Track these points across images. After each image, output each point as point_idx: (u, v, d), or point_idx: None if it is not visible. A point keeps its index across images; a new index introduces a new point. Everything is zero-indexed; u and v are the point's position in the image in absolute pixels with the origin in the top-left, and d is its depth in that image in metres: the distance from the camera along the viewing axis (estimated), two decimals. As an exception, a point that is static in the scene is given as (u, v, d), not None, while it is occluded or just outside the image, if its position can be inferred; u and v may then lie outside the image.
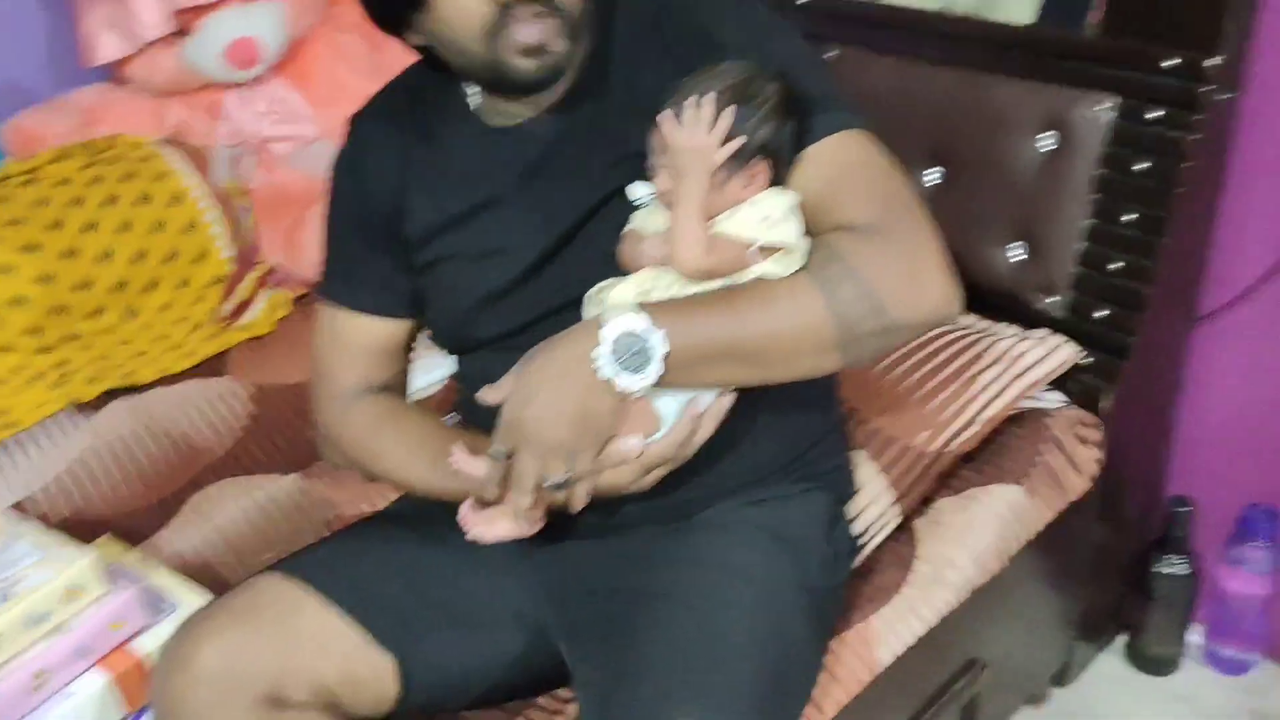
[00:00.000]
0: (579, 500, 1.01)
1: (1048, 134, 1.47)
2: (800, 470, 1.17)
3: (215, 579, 1.36)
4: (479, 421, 1.15)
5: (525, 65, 1.02)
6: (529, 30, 1.00)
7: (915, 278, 0.97)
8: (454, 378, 1.24)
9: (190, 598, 1.19)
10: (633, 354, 0.95)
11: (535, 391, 0.98)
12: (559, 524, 1.11)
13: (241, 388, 1.74)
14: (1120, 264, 1.43)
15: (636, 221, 1.03)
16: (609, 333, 0.94)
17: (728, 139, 0.95)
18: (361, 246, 1.17)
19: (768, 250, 0.96)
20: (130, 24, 1.91)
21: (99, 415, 1.69)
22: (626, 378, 0.95)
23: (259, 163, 2.08)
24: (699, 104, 0.95)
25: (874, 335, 0.97)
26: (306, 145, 2.07)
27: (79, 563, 1.11)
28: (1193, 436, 1.66)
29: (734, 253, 0.96)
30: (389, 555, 1.15)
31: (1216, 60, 1.33)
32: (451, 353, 1.21)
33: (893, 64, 1.62)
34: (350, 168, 1.17)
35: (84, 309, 1.87)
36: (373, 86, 2.07)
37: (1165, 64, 1.35)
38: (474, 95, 1.12)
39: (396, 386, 1.22)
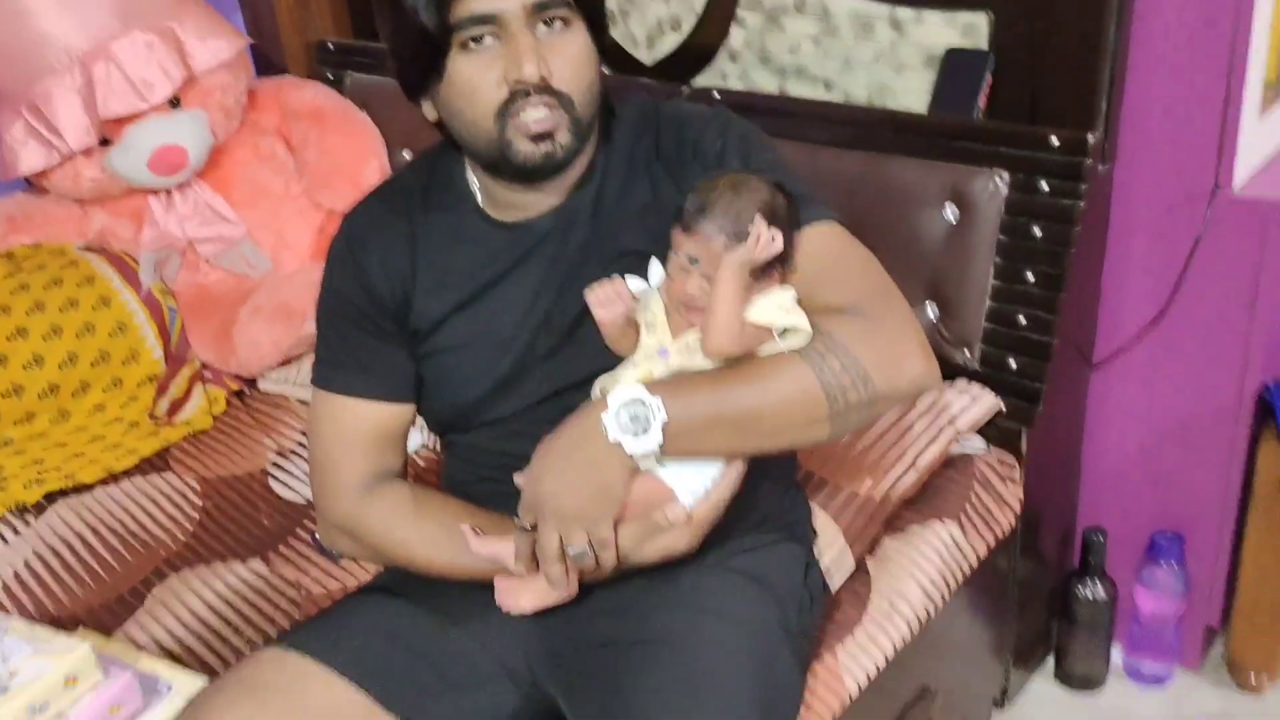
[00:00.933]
0: (607, 564, 1.07)
1: (949, 206, 1.62)
2: (771, 523, 1.25)
3: (192, 666, 1.36)
4: (467, 495, 1.21)
5: (530, 150, 1.09)
6: (538, 117, 1.07)
7: (897, 353, 1.06)
8: (442, 451, 1.29)
9: (183, 679, 1.20)
10: (634, 419, 1.02)
11: (550, 466, 1.05)
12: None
13: (188, 482, 1.75)
14: (1025, 318, 1.57)
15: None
16: (614, 400, 1.03)
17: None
18: (366, 337, 1.20)
19: (785, 332, 1.05)
20: (53, 136, 1.93)
21: (43, 518, 1.67)
22: (631, 441, 1.03)
23: (184, 264, 2.10)
24: (756, 224, 1.03)
25: (860, 406, 1.05)
26: (231, 246, 2.11)
27: (76, 651, 1.12)
28: (1099, 472, 1.81)
29: (759, 338, 1.05)
30: (385, 623, 1.18)
31: (1096, 135, 1.51)
32: (443, 434, 1.26)
33: (802, 149, 1.75)
34: (349, 264, 1.20)
35: (14, 415, 1.86)
36: (293, 188, 2.17)
37: (1053, 141, 1.52)
38: (478, 191, 1.19)
39: (403, 472, 1.25)
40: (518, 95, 1.07)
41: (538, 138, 1.09)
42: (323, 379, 1.22)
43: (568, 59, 1.09)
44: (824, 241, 1.12)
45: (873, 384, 1.04)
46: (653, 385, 1.04)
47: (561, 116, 1.09)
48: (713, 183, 1.07)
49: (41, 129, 1.93)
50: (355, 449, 1.21)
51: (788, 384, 1.04)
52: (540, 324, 1.16)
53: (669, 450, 1.04)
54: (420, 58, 1.09)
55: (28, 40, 1.88)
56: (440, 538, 1.17)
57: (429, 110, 1.16)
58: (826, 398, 1.04)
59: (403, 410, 1.22)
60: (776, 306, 1.05)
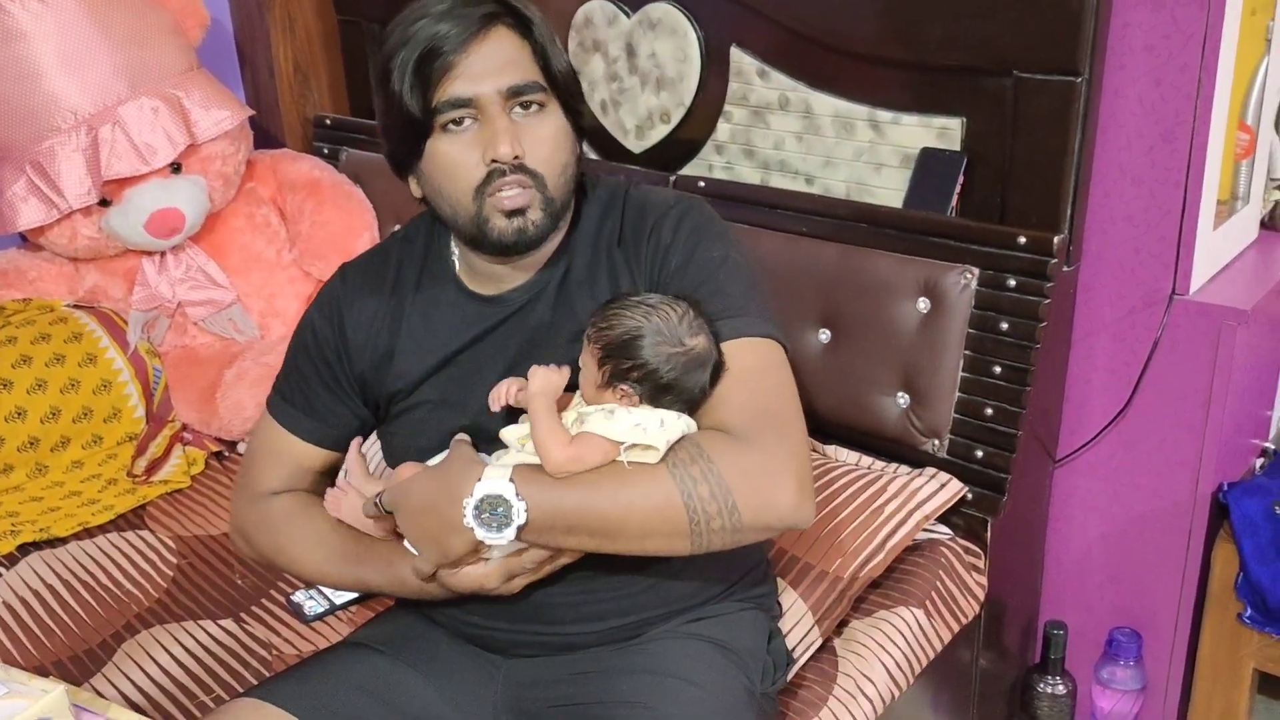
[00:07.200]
0: None
1: (922, 299, 1.68)
2: (736, 594, 1.29)
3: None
4: None
5: (504, 225, 1.15)
6: (513, 195, 1.14)
7: (769, 486, 1.05)
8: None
9: (153, 730, 1.20)
10: (495, 514, 1.06)
11: (412, 503, 1.13)
12: (520, 646, 1.21)
13: (163, 540, 1.76)
14: (992, 410, 1.62)
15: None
16: (479, 489, 1.06)
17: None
18: (322, 385, 1.27)
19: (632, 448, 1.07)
20: (54, 194, 1.97)
21: (15, 569, 1.68)
22: (484, 532, 1.06)
23: (172, 326, 2.13)
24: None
25: (723, 532, 1.06)
26: (220, 310, 2.14)
27: (51, 694, 1.12)
28: (1061, 567, 1.85)
29: (607, 451, 1.06)
30: (358, 677, 1.20)
31: (1061, 237, 1.58)
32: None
33: (781, 239, 1.82)
34: (333, 313, 1.27)
35: (-8, 466, 1.87)
36: (284, 257, 2.22)
37: (1020, 240, 1.59)
38: (458, 261, 1.26)
39: (316, 492, 1.32)
40: (494, 174, 1.14)
41: (512, 214, 1.15)
42: (273, 407, 1.31)
43: (541, 140, 1.15)
44: (745, 357, 1.13)
45: (739, 515, 1.05)
46: (524, 476, 1.07)
47: (534, 195, 1.15)
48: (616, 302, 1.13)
49: (43, 186, 1.97)
50: (277, 470, 1.30)
51: (651, 503, 1.05)
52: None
53: (525, 540, 1.09)
54: (406, 139, 1.16)
55: (36, 100, 1.93)
56: (307, 549, 1.25)
57: (415, 188, 1.23)
58: (689, 520, 1.05)
59: (331, 458, 1.31)
60: (632, 424, 1.06)
